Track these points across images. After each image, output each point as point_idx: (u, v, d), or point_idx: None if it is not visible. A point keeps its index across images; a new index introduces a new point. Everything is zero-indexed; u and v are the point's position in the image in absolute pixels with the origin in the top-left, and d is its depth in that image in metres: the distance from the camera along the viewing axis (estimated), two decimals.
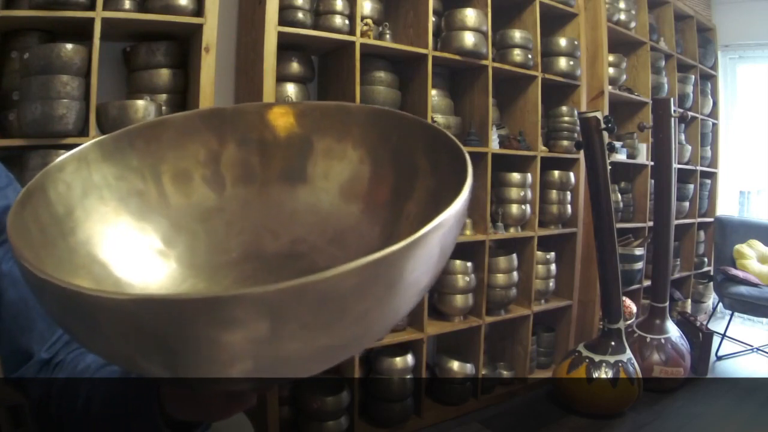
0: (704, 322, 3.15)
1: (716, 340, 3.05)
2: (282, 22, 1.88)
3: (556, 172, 2.73)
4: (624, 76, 3.12)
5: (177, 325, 0.28)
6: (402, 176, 0.50)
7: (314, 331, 0.29)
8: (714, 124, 4.04)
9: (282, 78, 1.97)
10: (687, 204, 3.64)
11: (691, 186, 3.66)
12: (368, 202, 0.52)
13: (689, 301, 3.76)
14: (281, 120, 0.54)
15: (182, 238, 0.52)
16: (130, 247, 0.48)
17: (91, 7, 1.54)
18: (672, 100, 2.67)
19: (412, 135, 0.49)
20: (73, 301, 0.30)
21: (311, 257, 0.52)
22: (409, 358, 2.21)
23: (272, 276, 0.51)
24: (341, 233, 0.52)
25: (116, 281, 0.45)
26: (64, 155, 0.46)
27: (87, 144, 0.48)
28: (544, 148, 2.71)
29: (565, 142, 2.76)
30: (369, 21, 2.11)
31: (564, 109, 2.77)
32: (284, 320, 0.28)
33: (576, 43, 2.73)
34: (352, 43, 2.03)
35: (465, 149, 0.43)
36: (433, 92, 2.36)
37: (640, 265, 3.09)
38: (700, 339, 2.85)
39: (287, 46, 1.97)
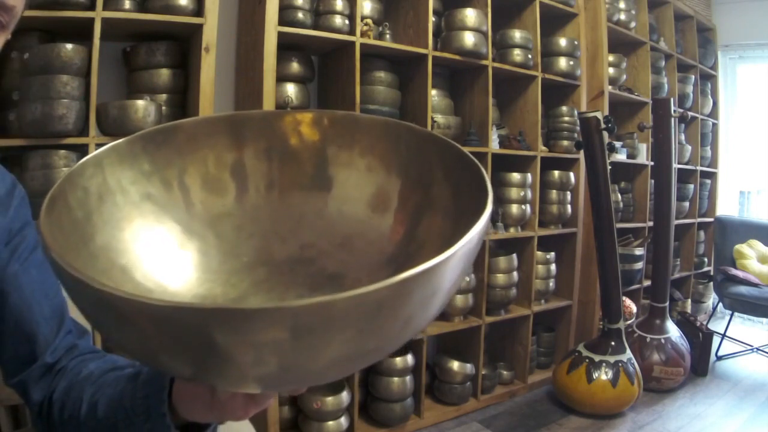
0: (704, 322, 3.15)
1: (716, 340, 3.05)
2: (282, 22, 1.88)
3: (556, 172, 2.73)
4: (624, 76, 3.11)
5: (218, 332, 0.29)
6: (412, 184, 0.51)
7: (364, 336, 0.32)
8: (714, 124, 4.04)
9: (282, 78, 1.97)
10: (687, 204, 3.65)
11: (691, 186, 3.66)
12: (375, 208, 0.53)
13: (689, 301, 3.76)
14: (291, 127, 0.55)
15: (194, 242, 0.52)
16: (145, 251, 0.49)
17: (91, 7, 1.54)
18: (672, 100, 2.67)
19: (423, 146, 0.51)
20: (112, 304, 0.31)
21: (321, 262, 0.53)
22: (409, 358, 2.21)
23: (286, 280, 0.52)
24: (349, 238, 0.53)
25: (136, 286, 0.46)
26: (83, 160, 0.47)
27: (103, 148, 0.49)
28: (544, 148, 2.71)
29: (565, 142, 2.76)
30: (369, 21, 2.11)
31: (564, 109, 2.77)
32: (340, 329, 0.30)
33: (576, 43, 2.73)
34: (352, 43, 2.03)
35: (476, 160, 0.45)
36: (433, 92, 2.36)
37: (640, 265, 3.09)
38: (700, 339, 2.86)
39: (287, 46, 1.97)
